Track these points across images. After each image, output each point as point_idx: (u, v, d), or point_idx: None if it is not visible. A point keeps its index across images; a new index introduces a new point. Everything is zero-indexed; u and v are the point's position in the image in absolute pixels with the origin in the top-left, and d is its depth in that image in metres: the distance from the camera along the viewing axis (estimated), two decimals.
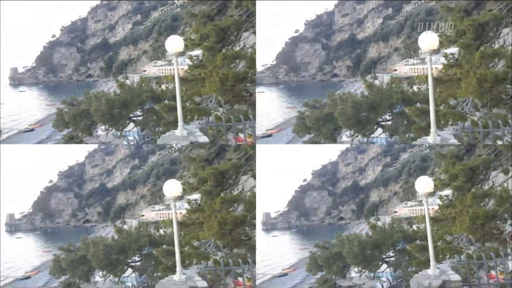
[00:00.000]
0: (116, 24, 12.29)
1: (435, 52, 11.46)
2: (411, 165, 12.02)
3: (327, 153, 12.23)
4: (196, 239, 11.98)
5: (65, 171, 12.22)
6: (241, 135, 12.05)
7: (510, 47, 11.55)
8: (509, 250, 11.50)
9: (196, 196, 12.00)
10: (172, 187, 11.68)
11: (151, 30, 12.21)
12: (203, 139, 11.89)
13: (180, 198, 11.82)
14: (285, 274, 12.03)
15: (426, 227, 11.50)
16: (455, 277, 11.65)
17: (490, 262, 11.62)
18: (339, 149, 12.18)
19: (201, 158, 11.96)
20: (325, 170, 12.29)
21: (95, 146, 12.16)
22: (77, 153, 12.19)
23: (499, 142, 11.59)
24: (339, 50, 12.28)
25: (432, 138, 11.59)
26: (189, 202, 12.01)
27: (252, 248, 11.88)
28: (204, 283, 11.81)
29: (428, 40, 11.27)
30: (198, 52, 12.02)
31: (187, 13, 12.08)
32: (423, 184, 11.47)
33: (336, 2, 12.26)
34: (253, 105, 12.04)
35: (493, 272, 11.66)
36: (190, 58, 12.02)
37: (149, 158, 12.21)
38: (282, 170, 12.05)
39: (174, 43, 11.63)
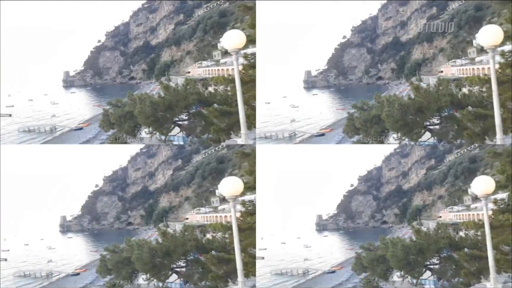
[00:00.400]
0: (158, 25, 12.24)
1: (484, 50, 10.94)
2: (457, 167, 11.73)
3: (372, 158, 12.18)
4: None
5: (109, 176, 12.31)
6: None
7: None
8: None
9: (251, 196, 11.70)
10: (231, 185, 11.17)
11: (195, 29, 12.07)
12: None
13: (235, 198, 11.37)
14: (333, 272, 11.98)
15: (477, 234, 11.11)
16: None
17: None
18: (383, 154, 12.07)
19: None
20: (370, 176, 12.23)
21: (137, 149, 12.10)
22: (120, 156, 12.22)
23: None
24: (384, 53, 12.18)
25: (499, 144, 10.96)
26: (243, 203, 11.76)
27: None
28: None
29: (491, 33, 10.45)
30: (253, 50, 11.63)
31: (239, 7, 11.76)
32: (483, 184, 10.73)
33: (380, 6, 12.12)
34: None
35: None
36: (245, 56, 11.62)
37: (193, 158, 12.04)
38: (332, 173, 12.08)
39: (234, 38, 10.97)
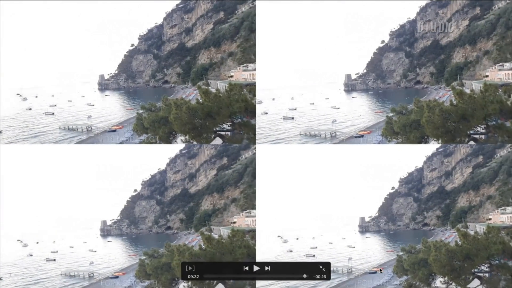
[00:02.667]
0: (194, 26, 11.88)
1: None
2: (511, 163, 11.15)
3: (413, 159, 11.95)
4: None
5: (147, 180, 12.22)
6: None
7: None
8: None
9: None
10: None
11: (238, 28, 11.49)
12: None
13: None
14: (374, 272, 11.90)
15: None
16: None
17: None
18: (424, 155, 11.84)
19: None
20: (411, 177, 12.04)
21: (177, 151, 11.96)
22: (159, 158, 12.16)
23: None
24: (422, 57, 11.84)
25: None
26: None
27: None
28: None
29: None
30: None
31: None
32: None
33: (418, 9, 11.81)
34: None
35: None
36: None
37: (242, 155, 11.79)
38: (373, 174, 11.96)
39: None
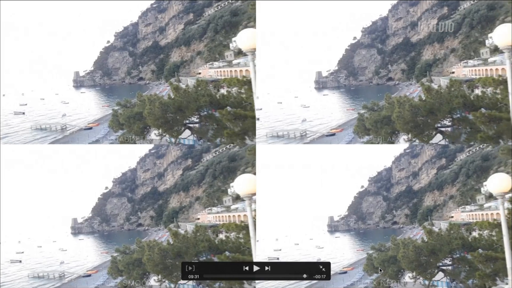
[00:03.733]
0: (167, 25, 12.17)
1: (498, 51, 10.90)
2: (469, 166, 11.63)
3: (382, 159, 12.14)
4: None
5: (118, 178, 12.27)
6: None
7: None
8: None
9: None
10: (246, 184, 11.11)
11: (205, 29, 11.96)
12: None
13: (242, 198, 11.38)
14: (345, 272, 11.98)
15: (491, 234, 10.97)
16: None
17: None
18: (393, 155, 12.03)
19: None
20: (380, 177, 12.18)
21: (146, 150, 12.04)
22: (130, 157, 12.27)
23: None
24: (394, 54, 12.09)
25: None
26: None
27: None
28: None
29: (507, 33, 10.40)
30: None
31: (252, 5, 11.68)
32: (498, 182, 10.57)
33: (390, 7, 12.06)
34: None
35: None
36: None
37: (203, 157, 12.00)
38: (342, 174, 12.06)
39: (248, 37, 10.86)
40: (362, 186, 12.09)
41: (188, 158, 12.08)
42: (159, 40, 12.19)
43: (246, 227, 11.58)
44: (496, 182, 10.59)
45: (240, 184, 11.08)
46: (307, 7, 11.74)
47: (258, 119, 11.43)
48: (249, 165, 11.71)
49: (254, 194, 11.19)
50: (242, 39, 10.84)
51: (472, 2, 11.58)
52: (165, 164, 12.16)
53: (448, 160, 11.86)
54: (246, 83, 11.39)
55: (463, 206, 11.70)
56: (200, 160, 12.02)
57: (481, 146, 11.47)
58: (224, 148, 11.83)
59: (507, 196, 10.87)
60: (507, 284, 10.92)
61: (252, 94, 11.30)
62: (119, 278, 12.13)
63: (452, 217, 11.75)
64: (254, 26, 11.41)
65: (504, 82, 10.79)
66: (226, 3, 11.86)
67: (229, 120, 11.55)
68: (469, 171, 11.61)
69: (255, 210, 11.57)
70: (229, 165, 11.81)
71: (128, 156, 12.29)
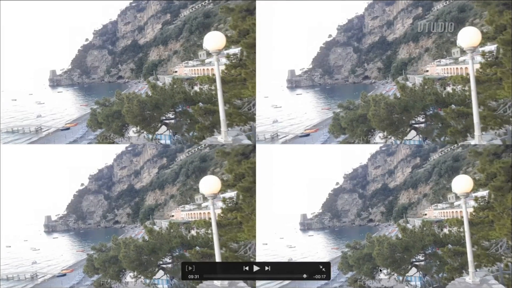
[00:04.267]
0: (145, 25, 12.26)
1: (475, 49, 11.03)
2: (441, 166, 11.86)
3: (358, 156, 12.21)
4: (234, 241, 11.81)
5: (95, 174, 12.25)
6: None
7: None
8: None
9: (232, 193, 11.86)
10: (209, 183, 11.47)
11: (181, 29, 12.12)
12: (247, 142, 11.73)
13: (215, 196, 11.64)
14: None
15: (460, 230, 11.23)
16: (499, 287, 11.13)
17: None
18: (369, 152, 12.12)
19: (236, 152, 11.74)
20: (355, 174, 12.23)
21: (123, 148, 12.11)
22: (105, 155, 12.25)
23: None
24: (370, 52, 12.21)
25: (477, 141, 11.18)
26: (224, 200, 11.91)
27: None
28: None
29: (469, 35, 10.82)
30: (236, 50, 11.75)
31: (221, 8, 11.80)
32: (461, 183, 11.03)
33: (366, 5, 12.18)
34: None
35: None
36: (228, 56, 11.72)
37: (178, 157, 12.12)
38: (316, 172, 12.11)
39: (214, 39, 11.24)
40: (337, 183, 12.04)
41: (163, 157, 12.17)
42: (138, 39, 12.28)
43: (209, 223, 11.86)
44: (459, 183, 11.03)
45: (204, 184, 11.49)
46: (283, 4, 11.79)
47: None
48: (218, 166, 11.94)
49: (217, 194, 11.48)
50: (208, 41, 11.27)
51: (445, 3, 11.80)
52: (141, 162, 12.20)
53: (422, 160, 12.03)
54: (214, 81, 11.66)
55: (435, 204, 11.91)
56: (175, 160, 12.15)
57: (452, 147, 11.73)
58: (196, 149, 11.99)
59: (475, 195, 11.31)
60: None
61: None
62: (95, 276, 12.11)
63: (425, 214, 11.95)
64: (223, 28, 11.72)
65: (469, 80, 11.14)
66: (200, 5, 12.05)
67: (200, 115, 11.79)
68: (441, 170, 11.83)
69: (222, 208, 11.90)
70: (200, 165, 12.00)
71: (105, 153, 12.26)
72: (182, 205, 12.13)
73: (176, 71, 12.10)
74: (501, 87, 10.97)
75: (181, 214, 12.14)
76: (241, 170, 11.44)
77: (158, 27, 12.20)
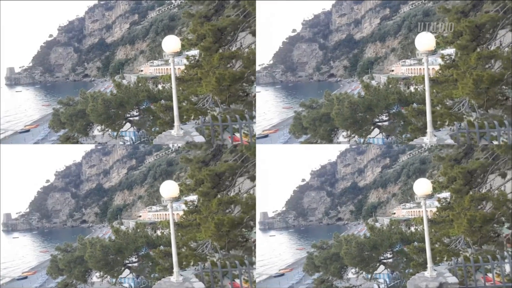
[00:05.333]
0: (114, 23, 12.27)
1: (432, 52, 11.53)
2: (410, 167, 12.03)
3: (326, 153, 12.18)
4: (193, 240, 11.94)
5: (62, 171, 12.18)
6: (238, 135, 12.01)
7: (506, 49, 11.61)
8: (505, 253, 11.57)
9: (193, 197, 11.94)
10: (169, 188, 11.69)
11: (148, 30, 12.22)
12: (199, 139, 11.88)
13: (177, 199, 11.81)
14: (282, 274, 11.97)
15: (424, 229, 11.51)
16: (452, 279, 11.70)
17: (487, 265, 11.67)
18: (338, 149, 12.15)
19: (198, 160, 11.94)
20: (324, 171, 12.21)
21: (92, 146, 12.08)
22: (73, 153, 12.16)
23: (495, 143, 11.66)
24: (337, 50, 12.20)
25: (428, 138, 11.61)
26: (186, 203, 12.00)
27: (249, 250, 11.92)
28: (202, 285, 11.81)
29: (424, 40, 11.34)
30: (195, 52, 12.03)
31: (184, 13, 12.08)
32: (421, 186, 11.53)
33: (334, 2, 12.21)
34: (249, 105, 12.05)
35: (490, 275, 11.70)
36: (187, 58, 12.04)
37: (146, 159, 12.14)
38: (281, 170, 12.03)
39: (170, 43, 11.71)
40: (304, 180, 12.01)
41: (132, 158, 12.16)
42: (106, 37, 12.25)
43: (177, 224, 11.97)
44: (419, 186, 11.53)
45: (163, 189, 11.72)
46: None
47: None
48: (183, 171, 12.07)
49: (175, 198, 11.73)
50: (165, 44, 11.79)
51: (411, 7, 12.01)
52: (111, 161, 12.17)
53: (391, 160, 12.14)
54: (177, 79, 11.97)
55: (403, 204, 12.07)
56: (144, 162, 12.17)
57: (419, 150, 12.00)
58: (164, 153, 12.11)
59: (438, 196, 11.89)
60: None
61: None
62: (60, 277, 12.03)
63: (394, 213, 12.10)
64: (186, 31, 12.10)
65: (432, 80, 11.65)
66: (166, 8, 12.20)
67: (162, 112, 11.99)
68: (409, 172, 12.03)
69: (184, 210, 12.15)
70: (167, 169, 12.08)
71: (73, 152, 12.19)
72: (149, 206, 12.12)
73: (142, 70, 12.18)
74: (457, 87, 11.59)
75: (148, 214, 12.14)
76: (201, 176, 11.74)
77: (126, 27, 12.23)
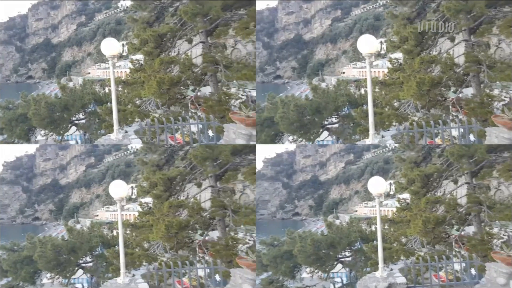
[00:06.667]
0: (60, 24, 12.02)
1: (382, 56, 11.85)
2: (374, 166, 12.06)
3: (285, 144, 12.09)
4: (146, 241, 11.94)
5: (11, 162, 11.98)
6: (178, 135, 12.02)
7: (444, 55, 11.91)
8: (453, 252, 12.01)
9: (148, 199, 11.96)
10: (118, 188, 11.68)
11: (95, 32, 12.03)
12: (137, 141, 11.88)
13: (133, 200, 11.87)
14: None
15: (385, 228, 11.89)
16: (401, 279, 11.91)
17: (438, 264, 11.96)
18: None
19: (153, 163, 11.92)
20: (280, 159, 12.04)
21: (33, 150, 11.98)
22: (21, 146, 11.87)
23: (437, 140, 11.95)
24: (283, 50, 11.93)
25: (370, 139, 11.84)
26: (141, 204, 11.96)
27: (194, 250, 11.94)
28: (146, 286, 11.80)
29: (366, 43, 11.53)
30: (139, 56, 11.98)
31: (128, 18, 11.98)
32: (376, 184, 11.66)
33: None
34: (186, 107, 11.94)
35: (441, 273, 11.99)
36: (132, 62, 11.98)
37: (105, 158, 12.06)
38: None
39: (109, 46, 11.67)
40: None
41: (91, 156, 12.05)
42: (52, 37, 12.01)
43: (132, 225, 12.01)
44: (373, 184, 11.72)
45: (112, 189, 11.75)
46: None
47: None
48: (140, 173, 12.01)
49: (130, 198, 11.89)
50: (103, 47, 11.78)
51: (362, 10, 12.06)
52: (68, 157, 12.05)
53: (356, 157, 12.13)
54: (122, 82, 12.04)
55: (366, 202, 12.08)
56: (102, 160, 12.09)
57: (383, 150, 12.06)
58: (122, 154, 12.00)
59: (398, 196, 12.12)
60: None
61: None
62: (5, 279, 11.87)
63: (356, 211, 12.12)
64: (131, 36, 12.08)
65: (381, 82, 12.00)
66: (113, 12, 12.07)
67: (107, 114, 11.94)
68: (373, 170, 12.06)
69: (139, 211, 12.13)
70: (126, 170, 12.01)
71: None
72: (107, 206, 12.04)
73: (89, 73, 12.02)
74: (403, 89, 11.90)
75: (105, 214, 12.06)
76: (155, 179, 11.83)
77: (73, 28, 11.99)
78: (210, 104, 11.97)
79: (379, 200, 11.59)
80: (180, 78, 11.90)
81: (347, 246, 12.01)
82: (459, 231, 11.94)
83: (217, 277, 11.81)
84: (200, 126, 11.93)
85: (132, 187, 11.91)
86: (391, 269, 11.82)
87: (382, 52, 11.81)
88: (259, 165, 12.04)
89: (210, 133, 11.94)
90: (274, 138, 11.95)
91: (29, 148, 12.04)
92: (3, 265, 11.82)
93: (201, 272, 11.84)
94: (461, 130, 11.80)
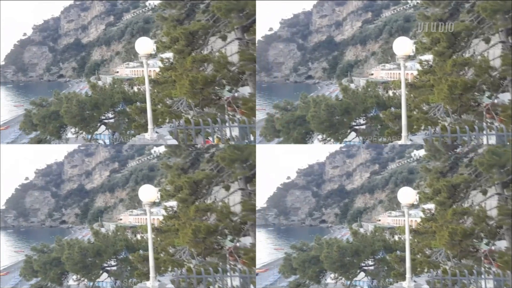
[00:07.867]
0: (89, 24, 12.14)
1: (411, 58, 11.63)
2: (398, 176, 11.94)
3: (316, 155, 12.05)
4: (171, 246, 11.86)
5: (42, 169, 12.06)
6: (210, 138, 11.90)
7: (479, 57, 11.61)
8: (482, 268, 11.55)
9: (173, 203, 11.88)
10: (147, 193, 11.60)
11: (123, 32, 12.10)
12: (172, 141, 11.74)
13: (157, 204, 11.79)
14: (256, 274, 11.77)
15: (408, 238, 11.51)
16: None
17: (464, 279, 11.60)
18: (328, 151, 12.03)
19: (177, 166, 11.84)
20: (311, 170, 12.05)
21: (75, 146, 12.00)
22: (55, 152, 11.99)
23: (466, 148, 11.73)
24: (316, 51, 12.01)
25: (403, 141, 11.66)
26: (165, 208, 11.89)
27: (223, 257, 11.79)
28: None
29: (402, 45, 11.36)
30: (169, 54, 11.94)
31: (157, 16, 11.98)
32: (406, 195, 11.47)
33: (315, 2, 12.05)
34: (221, 108, 11.85)
35: None
36: (162, 60, 11.94)
37: (129, 163, 12.05)
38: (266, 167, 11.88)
39: (143, 44, 11.61)
40: (289, 177, 11.89)
41: (115, 161, 12.05)
42: (81, 38, 12.13)
43: (156, 229, 11.87)
44: (403, 195, 11.52)
45: (142, 193, 11.67)
46: None
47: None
48: (164, 176, 11.98)
49: (153, 202, 11.69)
50: (139, 45, 11.68)
51: (392, 12, 12.00)
52: (93, 163, 12.06)
53: (380, 167, 12.03)
54: (152, 81, 11.93)
55: (389, 211, 11.95)
56: (126, 165, 12.08)
57: (408, 160, 11.97)
58: (145, 158, 12.03)
59: (423, 206, 11.88)
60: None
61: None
62: (34, 279, 11.90)
63: (379, 220, 11.98)
64: (160, 34, 12.03)
65: (410, 85, 11.73)
66: (141, 11, 12.10)
67: (137, 114, 11.90)
68: (397, 180, 11.95)
69: (164, 215, 12.07)
70: (149, 174, 11.99)
71: (51, 154, 12.03)
72: (130, 210, 12.00)
73: (117, 72, 12.07)
74: (433, 92, 11.66)
75: (129, 218, 12.03)
76: (180, 182, 11.69)
77: (101, 28, 12.09)
78: (250, 106, 11.82)
79: (408, 210, 11.37)
80: (215, 77, 11.79)
81: (371, 254, 11.90)
82: (489, 245, 11.54)
83: None
84: (238, 129, 11.80)
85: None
86: (414, 281, 11.58)
87: (411, 53, 11.63)
88: (292, 175, 12.02)
89: (252, 137, 11.81)
90: (305, 137, 11.89)
91: (58, 156, 12.08)
92: (34, 265, 11.94)
93: (233, 282, 11.67)
94: (495, 137, 11.50)
